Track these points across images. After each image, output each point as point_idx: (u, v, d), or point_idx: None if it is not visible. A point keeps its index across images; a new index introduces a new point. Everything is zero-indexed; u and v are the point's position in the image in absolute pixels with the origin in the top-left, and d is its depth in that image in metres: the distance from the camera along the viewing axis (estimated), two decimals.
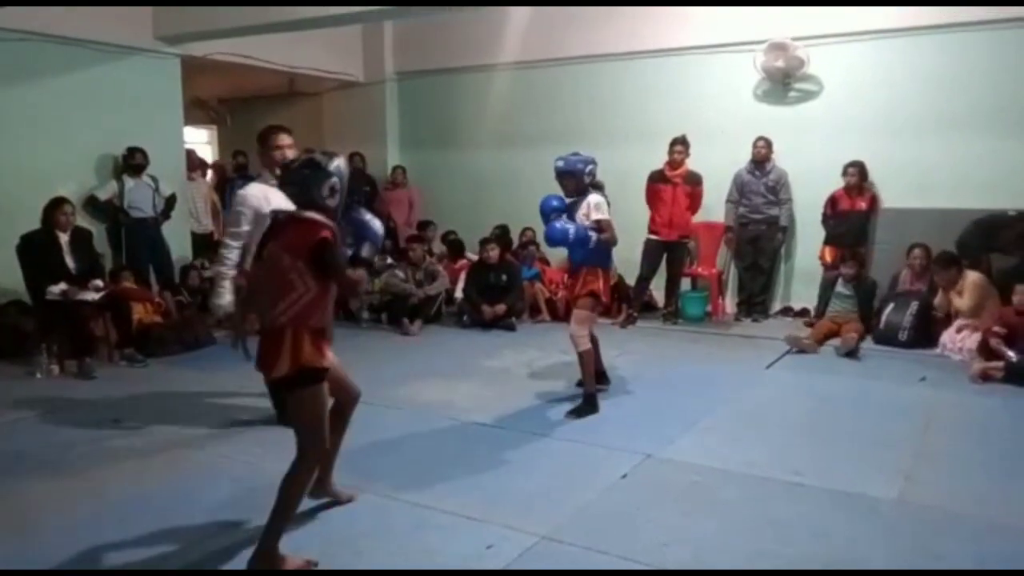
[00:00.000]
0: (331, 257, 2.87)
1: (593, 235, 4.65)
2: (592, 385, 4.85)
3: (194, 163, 8.68)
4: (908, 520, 3.39)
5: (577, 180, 4.75)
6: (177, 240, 7.98)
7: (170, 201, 7.69)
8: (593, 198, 4.78)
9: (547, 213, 4.80)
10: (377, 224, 3.41)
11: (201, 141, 11.91)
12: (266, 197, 4.18)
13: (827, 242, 7.40)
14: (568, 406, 4.88)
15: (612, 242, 4.79)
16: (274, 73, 9.32)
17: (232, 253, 4.33)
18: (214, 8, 6.98)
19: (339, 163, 3.02)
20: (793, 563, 2.99)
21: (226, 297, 4.33)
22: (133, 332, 6.39)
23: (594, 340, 4.93)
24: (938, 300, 6.45)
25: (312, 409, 2.92)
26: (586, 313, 4.78)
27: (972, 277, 6.26)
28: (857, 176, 7.18)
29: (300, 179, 2.96)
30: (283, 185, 3.21)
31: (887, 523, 3.35)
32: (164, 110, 7.93)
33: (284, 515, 2.88)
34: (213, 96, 11.42)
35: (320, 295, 2.89)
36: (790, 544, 3.15)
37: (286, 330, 2.83)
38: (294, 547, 3.00)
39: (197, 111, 11.14)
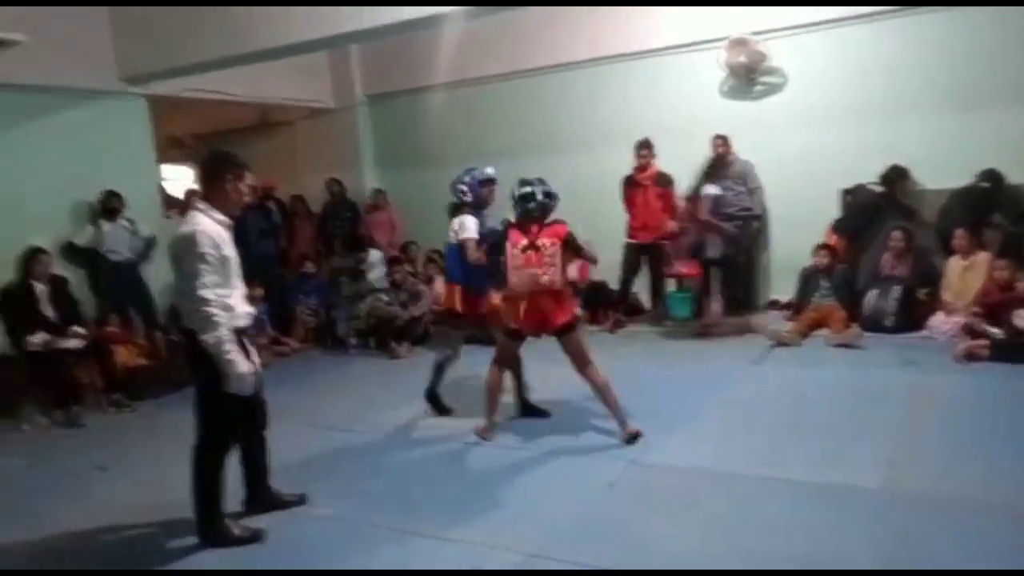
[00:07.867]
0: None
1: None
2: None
3: (169, 202, 8.66)
4: (891, 507, 3.40)
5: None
6: (161, 279, 7.94)
7: (150, 242, 7.64)
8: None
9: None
10: None
11: (183, 179, 11.84)
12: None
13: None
14: (555, 417, 4.91)
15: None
16: (245, 106, 9.32)
17: None
18: (176, 46, 6.96)
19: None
20: (777, 560, 2.98)
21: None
22: (119, 376, 6.38)
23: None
24: (947, 279, 6.31)
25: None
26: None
27: (984, 255, 6.20)
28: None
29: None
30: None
31: (870, 512, 3.35)
32: (136, 151, 7.88)
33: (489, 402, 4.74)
34: (187, 133, 11.40)
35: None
36: (774, 541, 3.15)
37: None
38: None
39: (173, 150, 11.13)
